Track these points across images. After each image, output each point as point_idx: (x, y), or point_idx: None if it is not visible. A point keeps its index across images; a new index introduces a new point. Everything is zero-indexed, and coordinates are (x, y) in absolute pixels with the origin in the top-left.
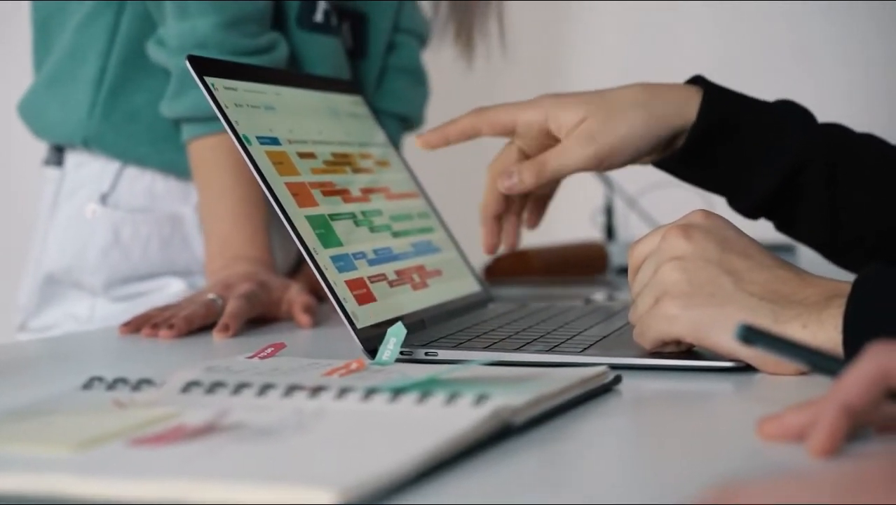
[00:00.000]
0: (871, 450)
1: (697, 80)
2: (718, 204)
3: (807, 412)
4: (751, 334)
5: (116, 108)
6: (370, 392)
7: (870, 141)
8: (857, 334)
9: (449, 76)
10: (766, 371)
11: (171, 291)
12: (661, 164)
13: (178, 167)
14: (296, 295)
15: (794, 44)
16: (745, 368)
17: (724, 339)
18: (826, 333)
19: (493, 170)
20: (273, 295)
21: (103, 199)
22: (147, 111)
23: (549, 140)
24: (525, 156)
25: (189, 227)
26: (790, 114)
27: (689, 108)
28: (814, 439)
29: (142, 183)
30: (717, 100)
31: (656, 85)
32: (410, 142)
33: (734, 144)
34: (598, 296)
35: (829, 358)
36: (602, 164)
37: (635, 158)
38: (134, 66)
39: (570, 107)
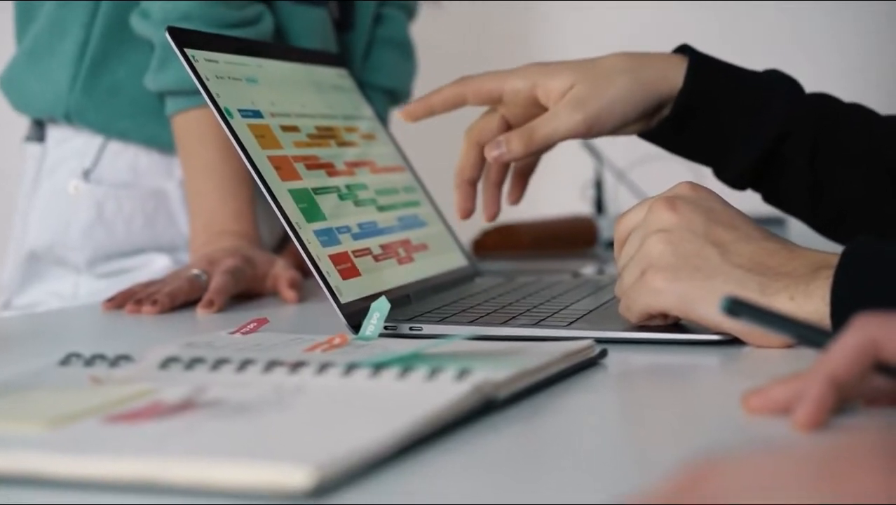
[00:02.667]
0: (858, 423)
1: (684, 50)
2: (708, 177)
3: (792, 385)
4: (736, 307)
5: (98, 81)
6: (351, 368)
7: (856, 111)
8: (845, 306)
9: (438, 51)
10: (753, 344)
11: (155, 266)
12: (647, 136)
13: (161, 141)
14: (281, 270)
15: (790, 28)
16: (732, 341)
17: (711, 311)
18: (813, 304)
19: (471, 135)
20: (258, 270)
21: (86, 174)
22: (129, 85)
23: (536, 108)
24: (508, 124)
25: (173, 202)
26: (776, 83)
27: (674, 76)
28: (799, 412)
29: (125, 158)
30: (702, 68)
31: (642, 53)
32: (397, 120)
33: (719, 113)
34: (587, 270)
35: (816, 330)
36: (591, 131)
37: (623, 125)
38: (116, 39)
39: (558, 74)
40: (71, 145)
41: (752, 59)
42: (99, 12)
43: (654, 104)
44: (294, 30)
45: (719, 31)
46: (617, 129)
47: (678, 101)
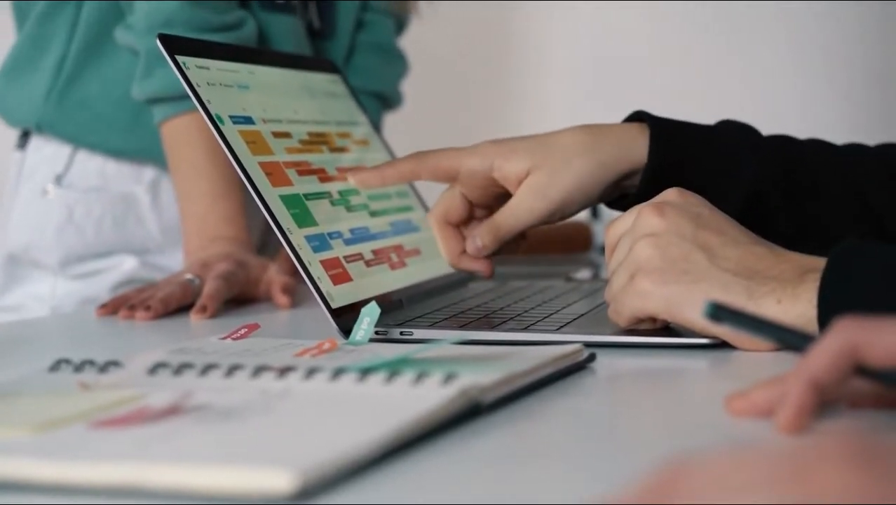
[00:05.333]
0: (841, 426)
1: (641, 117)
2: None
3: (774, 388)
4: (719, 312)
5: (70, 95)
6: (338, 372)
7: (816, 146)
8: (832, 309)
9: (438, 58)
10: (740, 347)
11: (124, 268)
12: (616, 205)
13: (126, 153)
14: (274, 275)
15: (776, 16)
16: (721, 345)
17: (698, 315)
18: (800, 308)
19: (437, 218)
20: (251, 275)
21: (58, 180)
22: (98, 99)
23: (494, 187)
24: (468, 200)
25: (142, 206)
26: (737, 136)
27: (636, 151)
28: (781, 415)
29: (94, 164)
30: (664, 138)
31: (600, 127)
32: (391, 120)
33: (688, 179)
34: (583, 274)
35: (797, 333)
36: (555, 217)
37: (586, 205)
38: (93, 53)
39: (514, 156)
40: (45, 152)
41: (739, 56)
42: (78, 29)
43: (615, 180)
44: (270, 38)
45: (704, 29)
46: (581, 209)
47: (645, 178)
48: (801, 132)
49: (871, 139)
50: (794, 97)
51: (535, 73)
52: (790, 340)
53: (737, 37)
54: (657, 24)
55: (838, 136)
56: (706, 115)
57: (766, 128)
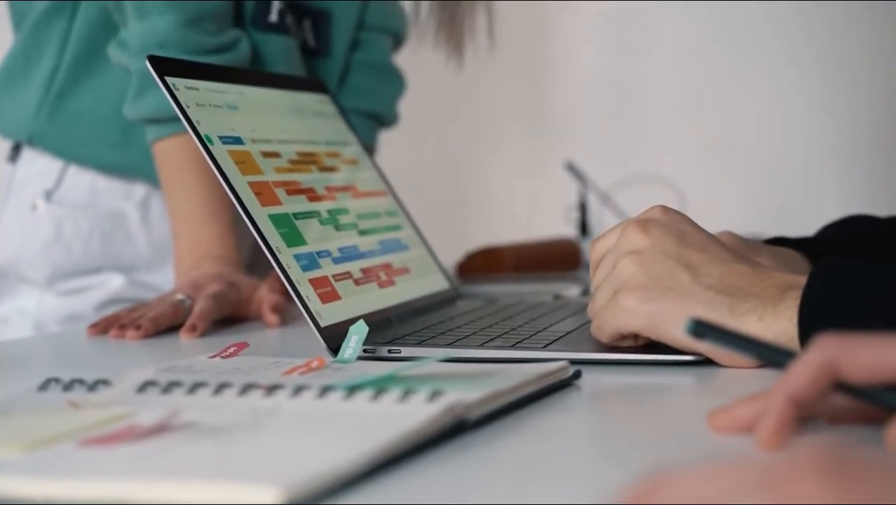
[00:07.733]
0: (820, 441)
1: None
2: (691, 205)
3: (755, 404)
4: (701, 328)
5: (62, 109)
6: (325, 390)
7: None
8: (812, 326)
9: (431, 76)
10: (723, 364)
11: (111, 285)
12: None
13: (116, 169)
14: (265, 294)
15: (767, 17)
16: (704, 362)
17: (681, 332)
18: (781, 325)
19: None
20: (242, 294)
21: (48, 195)
22: (90, 114)
23: None
24: None
25: (132, 223)
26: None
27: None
28: (761, 431)
29: (84, 179)
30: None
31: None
32: (384, 139)
33: None
34: (571, 292)
35: (777, 350)
36: None
37: None
38: (83, 68)
39: None
40: (36, 166)
41: (732, 57)
42: (69, 42)
43: None
44: (264, 57)
45: (699, 29)
46: None
47: None
48: (802, 134)
49: (869, 142)
50: (795, 98)
51: (536, 75)
52: (771, 356)
53: (737, 37)
54: (659, 27)
55: (838, 138)
56: (707, 117)
57: (767, 129)
